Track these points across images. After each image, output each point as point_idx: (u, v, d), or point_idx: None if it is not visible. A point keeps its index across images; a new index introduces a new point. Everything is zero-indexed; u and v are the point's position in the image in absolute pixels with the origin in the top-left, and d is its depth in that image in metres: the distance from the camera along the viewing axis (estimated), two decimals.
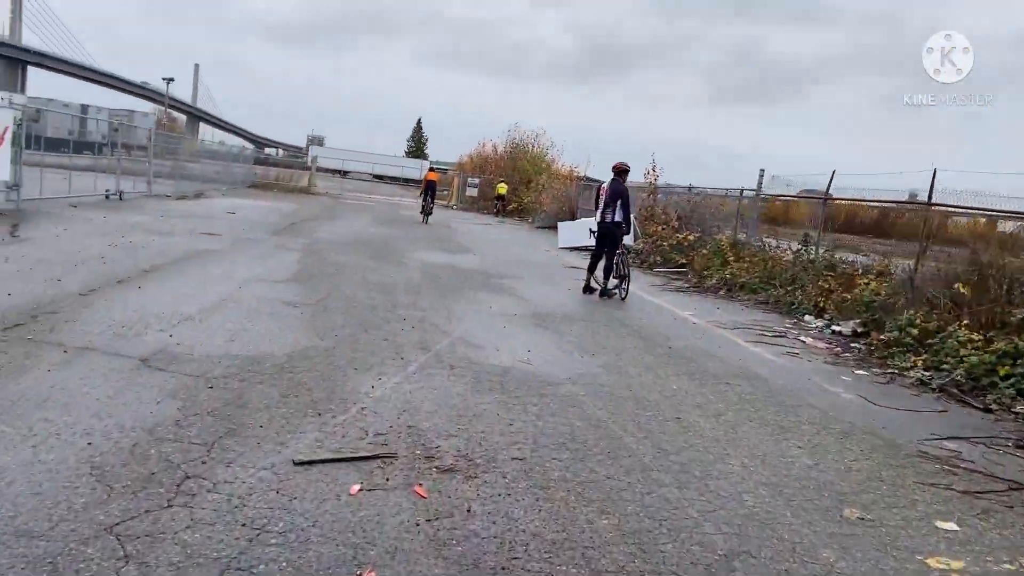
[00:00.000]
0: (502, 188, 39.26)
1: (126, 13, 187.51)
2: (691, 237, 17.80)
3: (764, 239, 16.42)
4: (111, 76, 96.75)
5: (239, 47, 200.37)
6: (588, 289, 12.40)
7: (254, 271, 10.49)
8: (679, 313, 11.57)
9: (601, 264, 12.30)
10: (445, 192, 46.90)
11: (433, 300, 9.90)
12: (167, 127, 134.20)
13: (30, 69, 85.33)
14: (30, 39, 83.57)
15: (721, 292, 14.29)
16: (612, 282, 12.19)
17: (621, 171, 12.24)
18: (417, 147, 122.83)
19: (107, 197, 19.64)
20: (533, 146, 43.32)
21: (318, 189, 41.88)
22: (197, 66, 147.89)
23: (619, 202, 11.92)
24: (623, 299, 12.03)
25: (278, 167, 44.21)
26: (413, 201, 41.49)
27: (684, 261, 17.16)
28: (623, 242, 12.45)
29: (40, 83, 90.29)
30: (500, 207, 39.22)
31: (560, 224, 21.56)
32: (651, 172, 21.99)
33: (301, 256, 12.89)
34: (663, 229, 19.59)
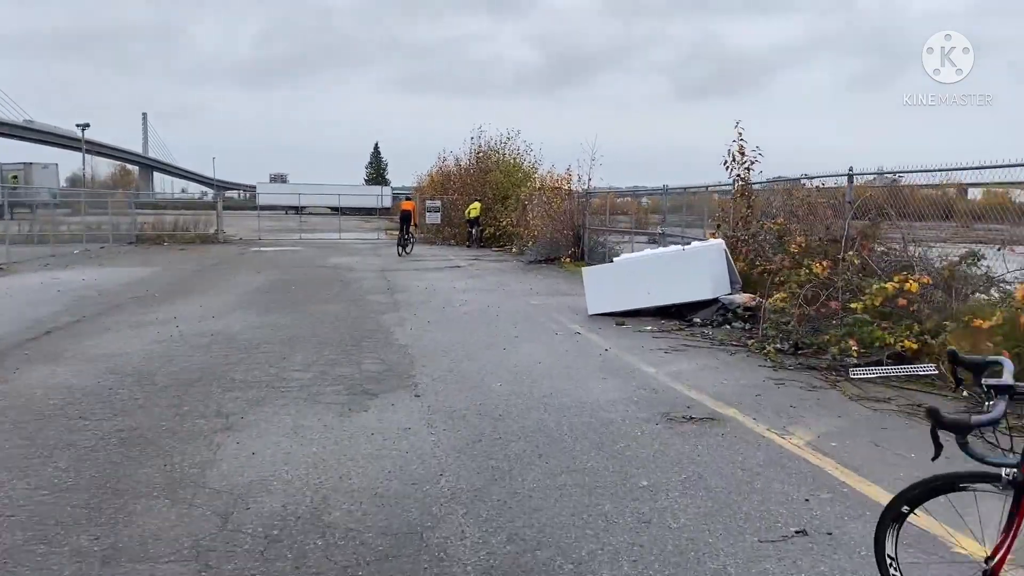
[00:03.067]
0: (474, 209, 29.39)
1: (78, 74, 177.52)
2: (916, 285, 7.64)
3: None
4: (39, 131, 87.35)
5: (197, 93, 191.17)
6: None
7: None
8: None
9: None
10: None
11: None
12: (119, 180, 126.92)
13: None
14: None
15: None
16: None
17: None
18: (376, 173, 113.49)
19: None
20: (504, 152, 33.48)
21: (229, 234, 31.78)
22: (145, 115, 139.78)
23: None
24: None
25: (177, 210, 34.10)
26: (362, 240, 31.45)
27: (909, 345, 7.15)
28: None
29: None
30: (474, 235, 29.35)
31: (589, 272, 11.55)
32: (737, 158, 12.17)
33: None
34: (791, 262, 9.71)
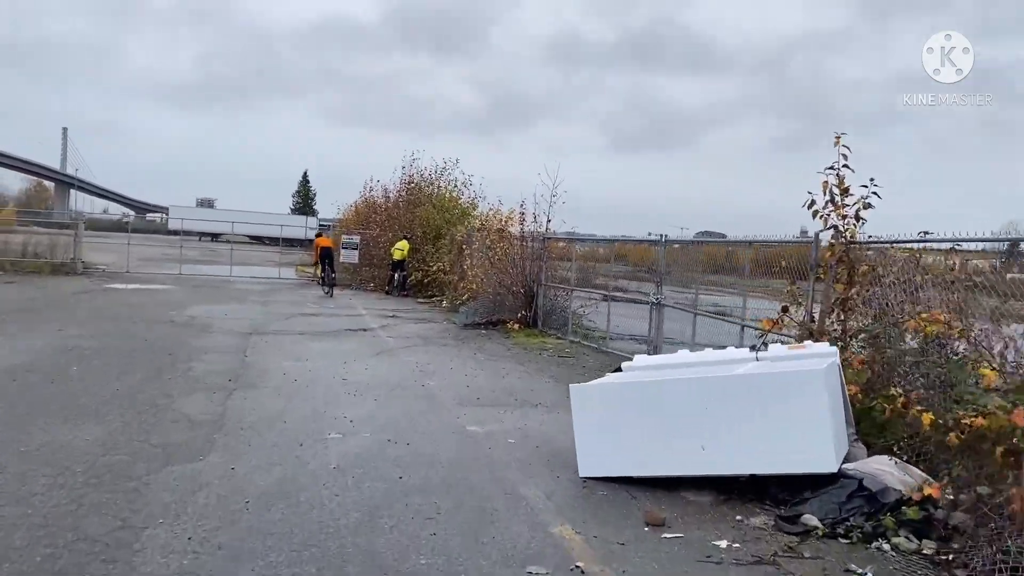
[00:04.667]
0: (399, 250, 23.87)
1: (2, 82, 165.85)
2: None
3: None
4: None
5: (124, 113, 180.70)
6: None
7: None
8: None
9: None
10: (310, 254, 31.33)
11: None
12: (34, 196, 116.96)
13: None
14: None
15: None
16: None
17: None
18: (304, 203, 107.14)
19: None
20: (439, 185, 28.15)
21: (94, 263, 25.49)
22: (65, 130, 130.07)
23: None
24: None
25: (29, 233, 27.55)
26: (258, 279, 25.61)
27: None
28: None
29: None
30: (397, 280, 23.85)
31: (582, 394, 5.95)
32: (836, 198, 7.08)
33: None
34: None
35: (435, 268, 23.42)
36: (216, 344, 11.24)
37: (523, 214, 16.31)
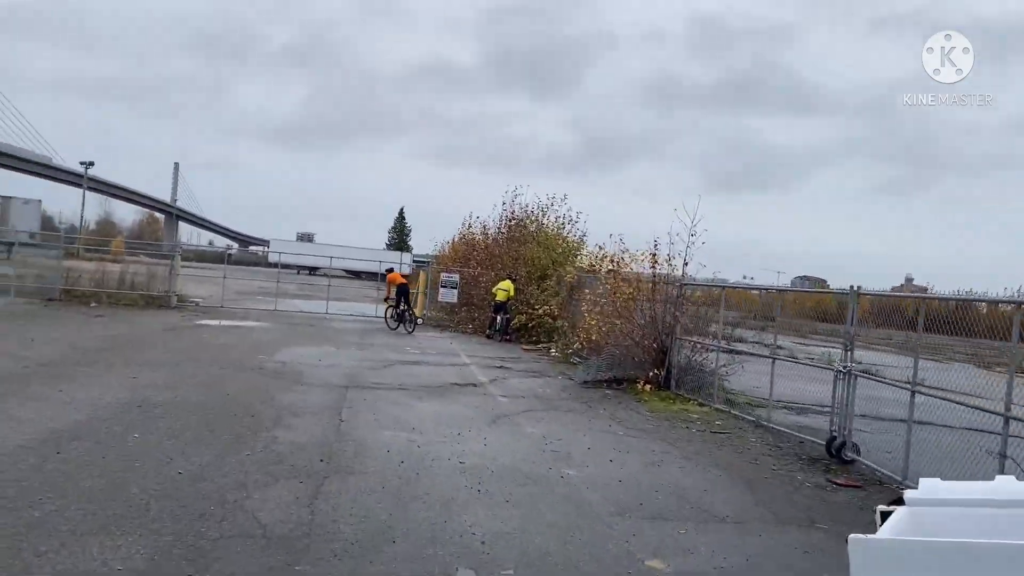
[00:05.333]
0: (503, 291, 22.04)
1: (121, 119, 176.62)
2: None
3: None
4: (69, 172, 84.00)
5: (232, 149, 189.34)
6: None
7: None
8: None
9: None
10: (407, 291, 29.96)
11: None
12: (146, 227, 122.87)
13: None
14: None
15: None
16: None
17: None
18: (399, 239, 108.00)
19: None
20: (545, 222, 26.28)
21: (189, 296, 24.74)
22: (177, 164, 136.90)
23: None
24: None
25: (124, 263, 27.20)
26: (355, 316, 24.22)
27: None
28: None
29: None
30: (499, 323, 21.98)
31: (869, 549, 3.62)
32: None
33: None
34: None
35: (541, 311, 21.49)
36: (308, 402, 9.51)
37: (654, 255, 14.15)
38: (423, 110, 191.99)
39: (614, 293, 14.63)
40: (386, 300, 22.81)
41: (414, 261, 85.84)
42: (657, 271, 14.00)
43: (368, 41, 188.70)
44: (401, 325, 21.68)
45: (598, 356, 14.61)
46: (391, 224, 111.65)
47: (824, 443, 9.29)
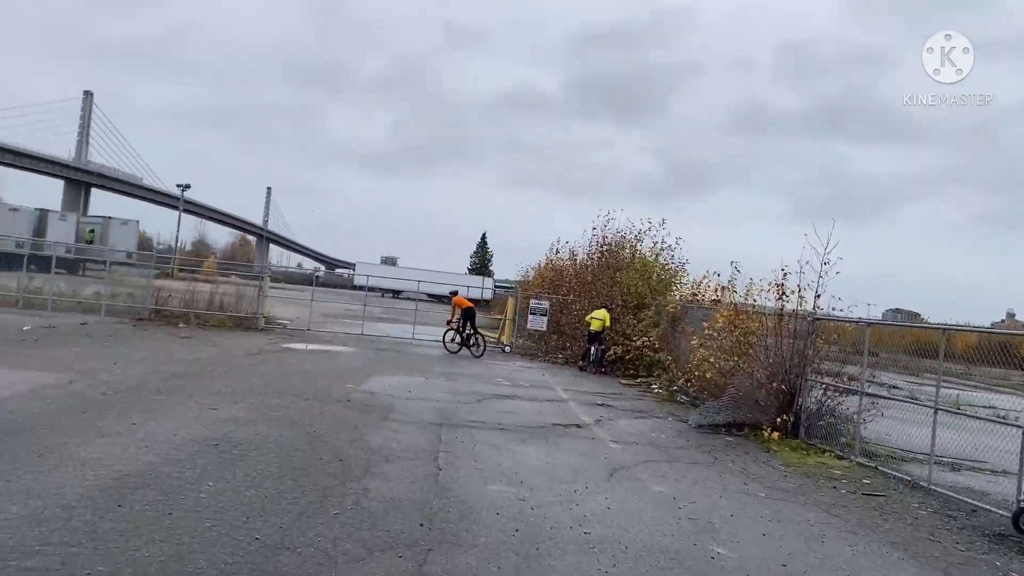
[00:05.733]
0: (598, 320, 20.69)
1: (217, 144, 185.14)
2: None
3: None
4: (168, 195, 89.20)
5: (321, 173, 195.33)
6: None
7: None
8: None
9: None
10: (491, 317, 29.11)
11: None
12: (238, 250, 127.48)
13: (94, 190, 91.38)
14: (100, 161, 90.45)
15: None
16: None
17: None
18: (481, 264, 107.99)
19: None
20: (642, 248, 24.84)
21: (276, 318, 24.40)
22: (269, 189, 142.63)
23: None
24: None
25: (214, 283, 27.09)
26: (440, 341, 23.34)
27: None
28: None
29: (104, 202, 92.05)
30: (594, 354, 20.64)
31: None
32: None
33: None
34: None
35: (639, 343, 20.08)
36: (400, 443, 8.47)
37: (781, 286, 12.62)
38: (507, 137, 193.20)
39: (732, 327, 13.16)
40: (448, 323, 21.98)
41: (495, 286, 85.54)
42: (785, 304, 12.46)
43: (456, 70, 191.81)
44: (466, 349, 20.97)
45: (711, 396, 13.18)
46: (472, 249, 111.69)
47: (1011, 515, 7.68)
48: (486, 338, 22.56)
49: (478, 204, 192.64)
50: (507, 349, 24.62)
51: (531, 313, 25.21)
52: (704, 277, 19.88)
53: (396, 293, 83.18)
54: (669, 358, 17.72)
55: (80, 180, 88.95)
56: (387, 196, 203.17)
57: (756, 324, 12.74)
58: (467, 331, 21.34)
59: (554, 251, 31.74)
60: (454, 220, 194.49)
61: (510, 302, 27.69)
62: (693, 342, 14.80)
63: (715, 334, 13.51)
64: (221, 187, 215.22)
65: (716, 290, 17.40)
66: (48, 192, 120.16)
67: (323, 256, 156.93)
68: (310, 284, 43.27)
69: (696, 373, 14.10)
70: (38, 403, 8.56)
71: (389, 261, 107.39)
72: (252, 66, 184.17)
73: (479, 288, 79.69)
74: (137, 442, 7.21)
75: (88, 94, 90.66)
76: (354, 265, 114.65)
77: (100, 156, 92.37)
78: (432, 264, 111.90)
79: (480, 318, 23.44)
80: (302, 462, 7.12)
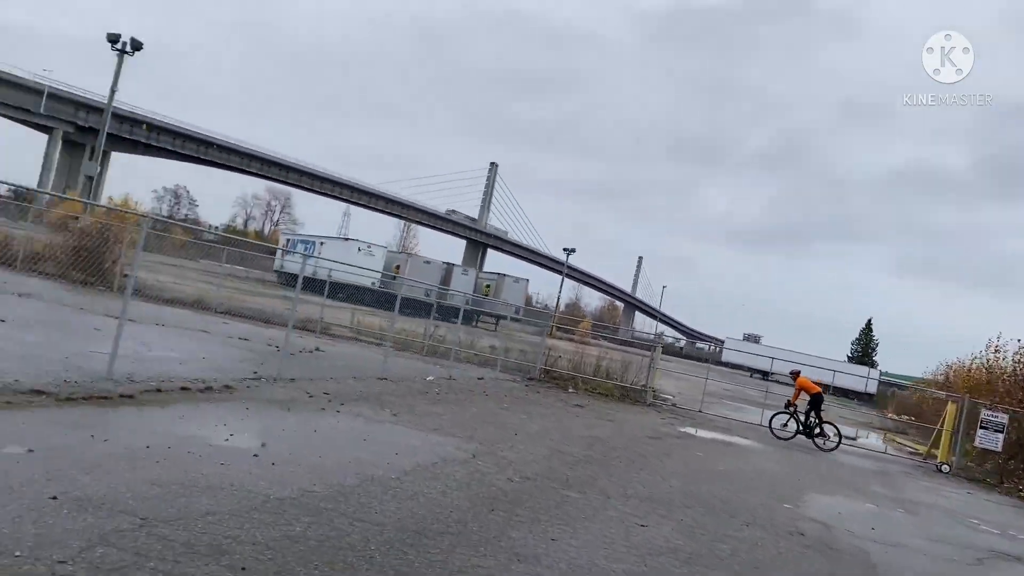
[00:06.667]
0: None
1: (594, 213, 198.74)
2: None
3: None
4: (550, 259, 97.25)
5: (691, 246, 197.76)
6: None
7: None
8: None
9: None
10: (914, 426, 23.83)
11: None
12: (606, 313, 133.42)
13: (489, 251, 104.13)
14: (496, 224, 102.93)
15: None
16: None
17: None
18: (864, 352, 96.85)
19: None
20: None
21: (663, 392, 22.32)
22: (640, 259, 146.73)
23: None
24: None
25: (600, 348, 25.59)
26: (862, 450, 19.24)
27: None
28: None
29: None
30: None
31: None
32: None
33: None
34: None
35: None
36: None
37: None
38: (899, 218, 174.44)
39: None
40: (787, 405, 18.37)
41: (880, 378, 75.10)
42: None
43: (843, 146, 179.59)
44: (807, 439, 17.85)
45: None
46: (850, 335, 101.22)
47: None
48: (841, 432, 18.30)
49: (860, 288, 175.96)
50: (945, 468, 19.43)
51: (981, 427, 19.72)
52: None
53: (766, 374, 77.23)
54: None
55: (479, 240, 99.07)
56: (755, 272, 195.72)
57: None
58: (811, 419, 17.95)
59: (991, 349, 25.25)
60: (828, 304, 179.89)
61: (950, 408, 22.14)
62: None
63: None
64: (594, 253, 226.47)
65: None
66: (446, 248, 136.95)
67: (684, 327, 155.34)
68: (675, 355, 40.95)
69: None
70: (439, 486, 7.05)
71: (752, 338, 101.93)
72: (637, 142, 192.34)
73: (863, 378, 70.80)
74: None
75: (493, 165, 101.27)
76: (720, 340, 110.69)
77: (496, 220, 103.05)
78: (799, 347, 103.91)
79: (877, 418, 18.92)
80: None
